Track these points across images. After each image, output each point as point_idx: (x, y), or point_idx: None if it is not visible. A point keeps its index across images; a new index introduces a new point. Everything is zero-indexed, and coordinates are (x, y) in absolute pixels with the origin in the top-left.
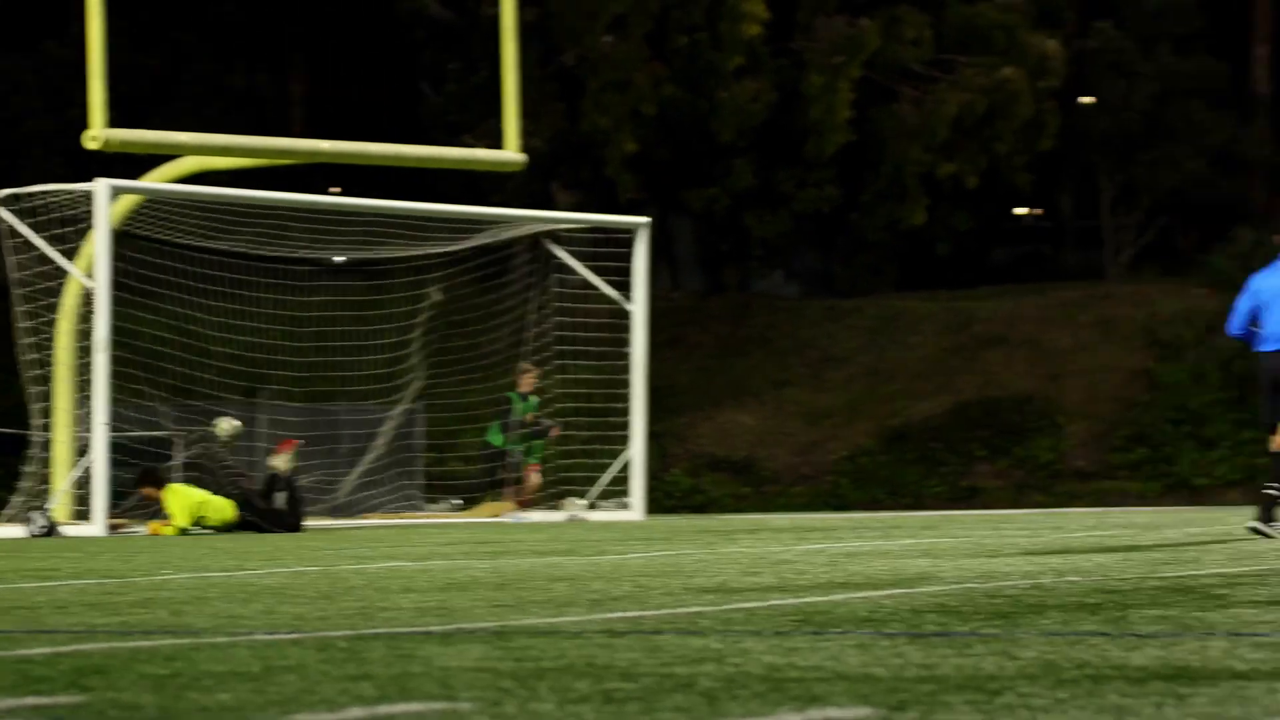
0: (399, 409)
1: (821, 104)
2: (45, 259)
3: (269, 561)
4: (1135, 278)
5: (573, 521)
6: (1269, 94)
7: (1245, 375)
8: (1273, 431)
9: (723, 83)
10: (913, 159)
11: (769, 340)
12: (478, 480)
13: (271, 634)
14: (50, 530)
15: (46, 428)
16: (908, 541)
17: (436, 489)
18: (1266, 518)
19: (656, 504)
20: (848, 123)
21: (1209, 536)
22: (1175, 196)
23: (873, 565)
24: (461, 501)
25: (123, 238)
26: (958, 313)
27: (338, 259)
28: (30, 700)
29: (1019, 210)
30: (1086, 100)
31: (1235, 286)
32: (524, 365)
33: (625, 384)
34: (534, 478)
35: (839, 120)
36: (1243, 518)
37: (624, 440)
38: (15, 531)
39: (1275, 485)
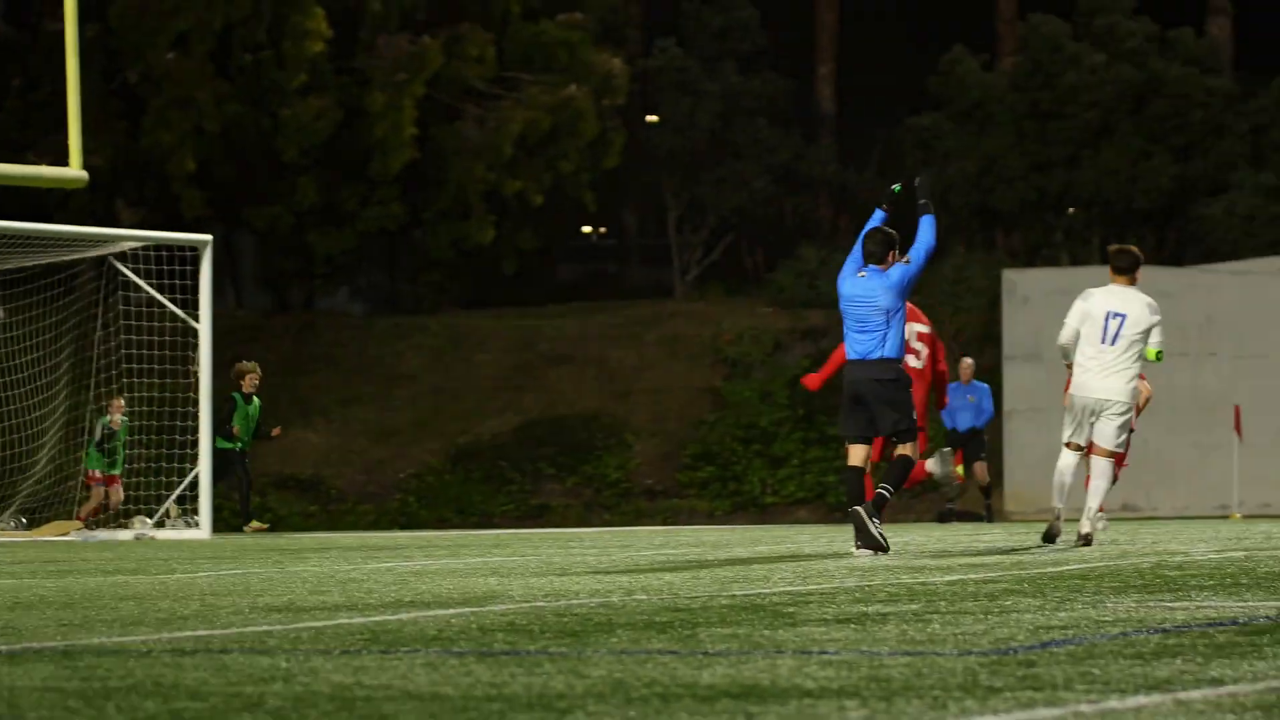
0: None
1: (385, 122)
2: None
3: None
4: (702, 296)
5: (140, 540)
6: (833, 112)
7: (812, 394)
8: (856, 444)
9: (286, 100)
10: (477, 177)
11: (335, 358)
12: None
13: None
14: None
15: None
16: (476, 560)
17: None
18: (877, 515)
19: (224, 523)
20: (412, 140)
21: (777, 554)
22: (741, 215)
23: (441, 584)
24: (26, 521)
25: None
26: (524, 331)
27: None
28: None
29: (585, 228)
30: (652, 118)
31: (802, 304)
32: (246, 365)
33: (192, 402)
34: (116, 491)
35: (403, 138)
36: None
37: (191, 458)
38: None
39: (887, 486)
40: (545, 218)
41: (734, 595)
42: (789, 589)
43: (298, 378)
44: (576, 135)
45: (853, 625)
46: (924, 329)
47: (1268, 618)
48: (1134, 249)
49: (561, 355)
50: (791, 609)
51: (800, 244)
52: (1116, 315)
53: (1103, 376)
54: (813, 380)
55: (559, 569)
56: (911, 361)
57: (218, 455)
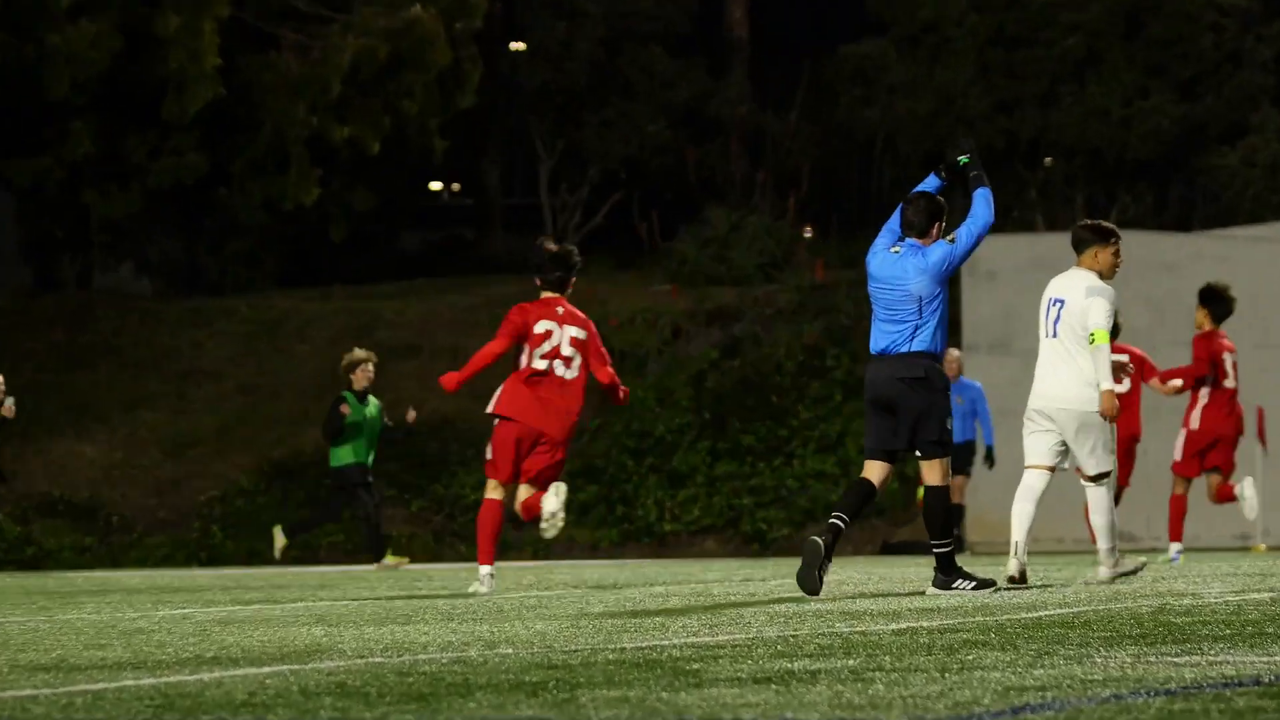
0: None
1: (181, 51)
2: None
3: None
4: (583, 270)
5: None
6: (747, 39)
7: (721, 394)
8: (874, 459)
9: (53, 24)
10: (298, 120)
11: (117, 349)
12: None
13: None
14: None
15: None
16: (298, 605)
17: None
18: (950, 576)
19: None
20: (215, 74)
21: (679, 597)
22: (631, 167)
23: (253, 635)
24: None
25: None
26: (358, 314)
27: None
28: None
29: (434, 185)
30: (517, 46)
31: (707, 280)
32: (359, 353)
33: None
34: None
35: (205, 71)
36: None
37: None
38: None
39: (938, 542)
40: (384, 172)
41: (623, 649)
42: (693, 640)
43: (70, 374)
44: (423, 68)
45: (774, 686)
46: (579, 334)
47: None
48: (1094, 223)
49: (405, 345)
50: (696, 665)
51: (706, 205)
52: (1056, 301)
53: (1048, 376)
54: (450, 380)
55: (403, 616)
56: (560, 371)
57: (333, 476)
